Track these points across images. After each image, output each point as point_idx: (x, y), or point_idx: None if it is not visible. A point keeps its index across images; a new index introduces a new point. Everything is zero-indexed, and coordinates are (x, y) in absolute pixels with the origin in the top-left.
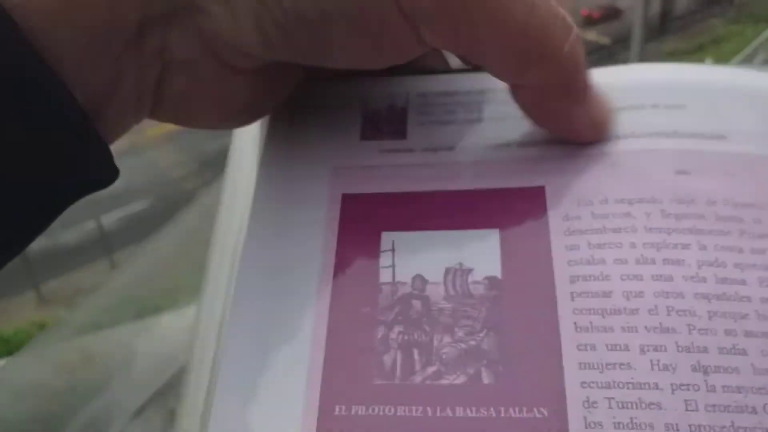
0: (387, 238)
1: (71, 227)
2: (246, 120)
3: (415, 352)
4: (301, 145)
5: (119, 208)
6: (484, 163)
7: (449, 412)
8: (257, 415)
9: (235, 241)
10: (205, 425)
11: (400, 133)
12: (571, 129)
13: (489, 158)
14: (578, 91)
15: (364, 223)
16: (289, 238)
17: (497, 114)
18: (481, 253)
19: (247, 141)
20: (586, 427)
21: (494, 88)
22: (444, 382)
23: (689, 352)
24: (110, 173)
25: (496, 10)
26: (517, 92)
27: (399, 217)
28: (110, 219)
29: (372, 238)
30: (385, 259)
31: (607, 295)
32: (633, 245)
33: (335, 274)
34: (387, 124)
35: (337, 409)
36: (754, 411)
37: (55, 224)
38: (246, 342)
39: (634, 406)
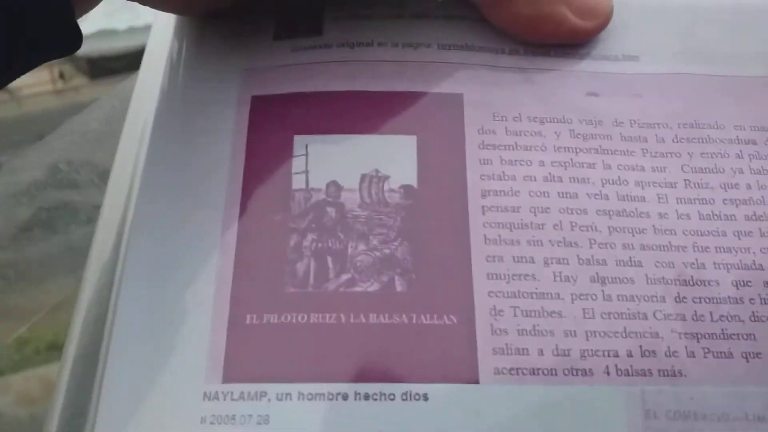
0: (300, 141)
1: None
2: (207, 10)
3: (329, 259)
4: (211, 47)
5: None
6: (403, 63)
7: (362, 319)
8: (163, 324)
9: (138, 150)
10: (108, 338)
11: (316, 29)
12: (561, 30)
13: (408, 58)
14: None
15: (275, 127)
16: (196, 143)
17: (418, 10)
18: (397, 160)
19: (161, 43)
20: (492, 334)
21: None
22: (358, 289)
23: (589, 264)
24: (73, 39)
25: None
26: (487, 11)
27: (313, 119)
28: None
29: (284, 142)
30: (298, 165)
31: (515, 210)
32: (542, 163)
33: (245, 181)
34: (301, 20)
35: (248, 318)
36: (644, 317)
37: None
38: (150, 250)
39: (537, 315)
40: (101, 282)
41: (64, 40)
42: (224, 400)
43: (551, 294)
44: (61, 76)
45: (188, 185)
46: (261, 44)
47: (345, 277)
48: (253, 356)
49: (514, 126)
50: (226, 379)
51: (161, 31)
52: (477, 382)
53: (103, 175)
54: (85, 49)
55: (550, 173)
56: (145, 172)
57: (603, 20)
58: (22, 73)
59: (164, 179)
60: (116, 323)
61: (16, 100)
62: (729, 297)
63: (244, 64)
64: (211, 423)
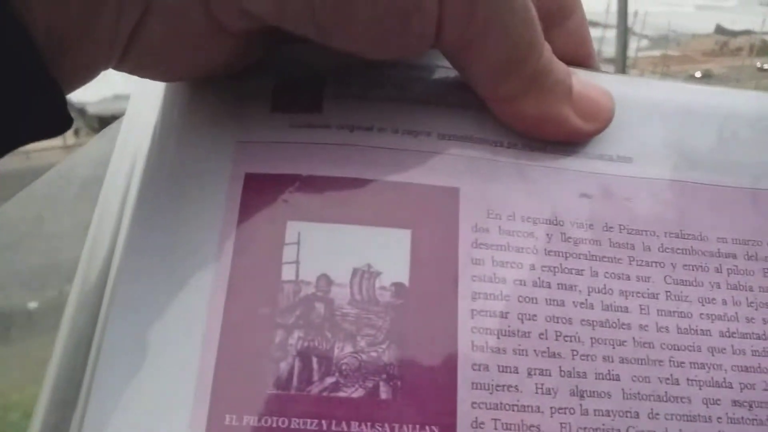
0: (293, 228)
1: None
2: (207, 77)
3: (314, 360)
4: (203, 114)
5: None
6: (402, 151)
7: (344, 427)
8: (140, 422)
9: (117, 221)
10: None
11: (316, 106)
12: (563, 131)
13: (407, 146)
14: (561, 92)
15: (268, 209)
16: (183, 220)
17: (421, 96)
18: (390, 255)
19: (144, 106)
20: None
21: (423, 65)
22: (342, 394)
23: (570, 377)
24: (62, 122)
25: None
26: (495, 107)
27: (308, 204)
28: None
29: (276, 227)
30: (289, 254)
31: (504, 315)
32: (533, 267)
33: (233, 267)
34: (301, 94)
35: (227, 418)
36: None
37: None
38: (128, 339)
39: (516, 428)
40: (72, 363)
41: (53, 125)
42: None
43: (532, 407)
44: (76, 133)
45: (172, 265)
46: (257, 115)
47: (329, 380)
48: None
49: (508, 225)
50: None
51: (142, 96)
52: None
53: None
54: (99, 108)
55: (539, 278)
56: (126, 245)
57: (603, 124)
58: (2, 154)
59: (147, 259)
60: (87, 416)
61: (25, 152)
62: (699, 415)
63: (239, 136)
64: None
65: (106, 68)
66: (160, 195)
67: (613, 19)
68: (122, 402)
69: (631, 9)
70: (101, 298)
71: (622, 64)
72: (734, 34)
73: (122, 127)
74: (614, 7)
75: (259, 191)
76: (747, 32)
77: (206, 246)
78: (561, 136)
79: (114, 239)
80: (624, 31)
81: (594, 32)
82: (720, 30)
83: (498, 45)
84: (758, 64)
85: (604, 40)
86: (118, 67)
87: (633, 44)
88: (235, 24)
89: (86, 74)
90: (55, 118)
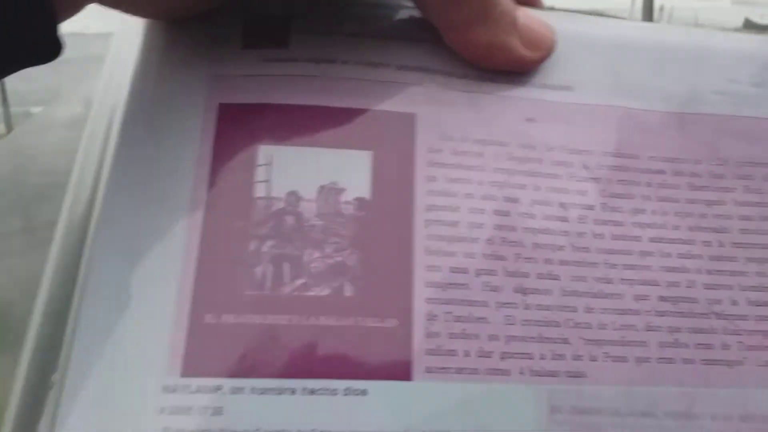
0: (264, 151)
1: None
2: (181, 15)
3: (286, 265)
4: (178, 50)
5: None
6: (364, 81)
7: (314, 320)
8: (127, 320)
9: (102, 149)
10: (72, 333)
11: (283, 41)
12: (510, 59)
13: (368, 77)
14: (507, 22)
15: (242, 135)
16: (164, 145)
17: (381, 31)
18: (353, 173)
19: (124, 45)
20: (426, 336)
21: (383, 2)
22: (311, 293)
23: (514, 276)
24: (54, 47)
25: None
26: (447, 35)
27: (277, 129)
28: None
29: (249, 150)
30: (261, 174)
31: (454, 224)
32: (481, 182)
33: (209, 186)
34: (269, 30)
35: (207, 317)
36: (557, 325)
37: None
38: (115, 248)
39: (466, 320)
40: (64, 275)
41: (45, 48)
42: (182, 392)
43: (479, 302)
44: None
45: (154, 187)
46: (230, 51)
47: (299, 281)
48: (210, 353)
49: (460, 146)
50: (185, 373)
51: (124, 35)
52: (410, 379)
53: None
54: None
55: (487, 192)
56: (112, 170)
57: (546, 52)
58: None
59: (131, 179)
60: (80, 316)
61: None
62: (629, 309)
63: (212, 71)
64: (170, 413)
65: (91, 1)
66: (140, 127)
67: (638, 13)
68: (112, 305)
69: (657, 4)
70: (90, 214)
71: None
72: (764, 28)
73: (105, 66)
74: (639, 2)
75: (233, 119)
76: None
77: (185, 168)
78: (508, 64)
79: (98, 172)
80: None
81: None
82: (749, 24)
83: None
84: None
85: None
86: (101, 1)
87: None
88: None
89: (74, 4)
90: (47, 42)
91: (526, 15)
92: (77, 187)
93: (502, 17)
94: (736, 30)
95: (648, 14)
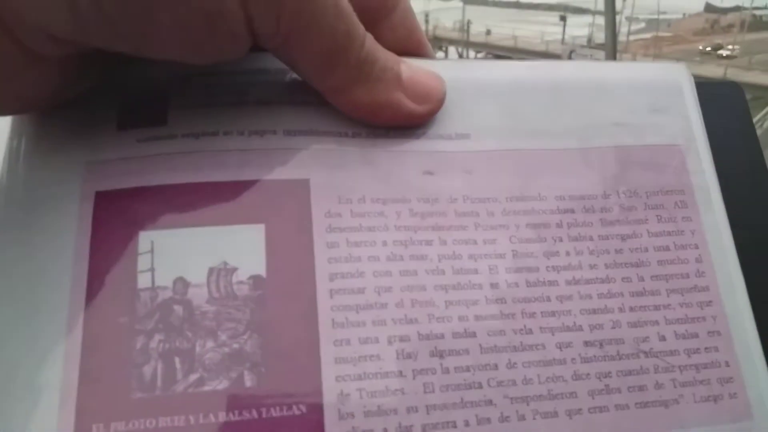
0: (145, 238)
1: None
2: (44, 106)
3: (177, 360)
4: (50, 139)
5: None
6: (249, 151)
7: (212, 418)
8: None
9: None
10: None
11: (160, 119)
12: (398, 115)
13: (254, 146)
14: (390, 79)
15: (120, 223)
16: (37, 242)
17: (263, 97)
18: (245, 249)
19: None
20: (339, 419)
21: (262, 68)
22: (207, 388)
23: (428, 339)
24: None
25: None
26: (330, 97)
27: (159, 213)
28: None
29: (129, 239)
30: (143, 263)
31: (360, 291)
32: (385, 243)
33: (89, 284)
34: (145, 109)
35: (94, 428)
36: (480, 386)
37: None
38: None
39: (381, 395)
40: None
41: None
42: None
43: (394, 372)
44: None
45: (28, 288)
46: (104, 135)
47: (193, 377)
48: None
49: (359, 208)
50: None
51: None
52: None
53: None
54: None
55: (392, 252)
56: None
57: (436, 104)
58: None
59: (1, 282)
60: None
61: None
62: (554, 359)
63: (88, 157)
64: None
65: None
66: (10, 223)
67: (601, 5)
68: None
69: None
70: None
71: (612, 49)
72: (724, 11)
73: None
74: None
75: (110, 207)
76: (737, 8)
77: (61, 265)
78: (397, 121)
79: None
80: (612, 17)
81: (583, 19)
82: (709, 8)
83: (315, 38)
84: (700, 47)
85: (595, 27)
86: None
87: (625, 28)
88: (49, 49)
89: None
90: None
91: (410, 68)
92: None
93: (383, 74)
94: (698, 14)
95: (611, 7)
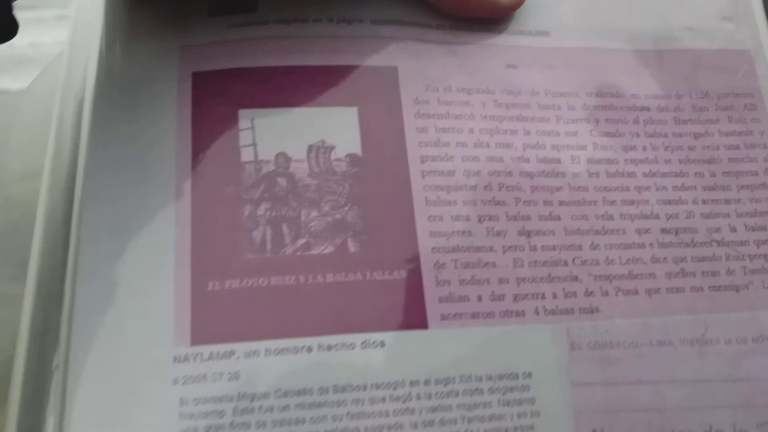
0: (245, 116)
1: None
2: None
3: (284, 226)
4: (144, 24)
5: None
6: (339, 38)
7: (320, 279)
8: (125, 299)
9: (74, 135)
10: (69, 315)
11: (250, 5)
12: (485, 6)
13: (343, 33)
14: None
15: (219, 102)
16: (141, 120)
17: None
18: (341, 130)
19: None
20: (437, 285)
21: None
22: (314, 252)
23: (516, 220)
24: (10, 26)
25: None
26: None
27: (255, 93)
28: None
29: (229, 116)
30: (245, 138)
31: (450, 173)
32: (471, 131)
33: (194, 156)
34: None
35: (210, 284)
36: (565, 264)
37: None
38: (103, 228)
39: (474, 266)
40: (52, 260)
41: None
42: (194, 361)
43: (485, 247)
44: None
45: (136, 163)
46: (196, 21)
47: (301, 241)
48: (219, 319)
49: (445, 96)
50: (195, 341)
51: (85, 19)
52: (426, 327)
53: None
54: None
55: (479, 140)
56: (90, 153)
57: None
58: None
59: (111, 159)
60: (76, 298)
61: None
62: (633, 243)
63: (181, 42)
64: (183, 383)
65: None
66: (113, 105)
67: None
68: (108, 282)
69: None
70: (70, 197)
71: None
72: None
73: (66, 50)
74: None
75: (208, 86)
76: None
77: (166, 138)
78: (483, 12)
79: (74, 158)
80: None
81: None
82: None
83: None
84: None
85: None
86: None
87: None
88: None
89: None
90: (3, 23)
91: None
92: (53, 175)
93: None
94: None
95: None
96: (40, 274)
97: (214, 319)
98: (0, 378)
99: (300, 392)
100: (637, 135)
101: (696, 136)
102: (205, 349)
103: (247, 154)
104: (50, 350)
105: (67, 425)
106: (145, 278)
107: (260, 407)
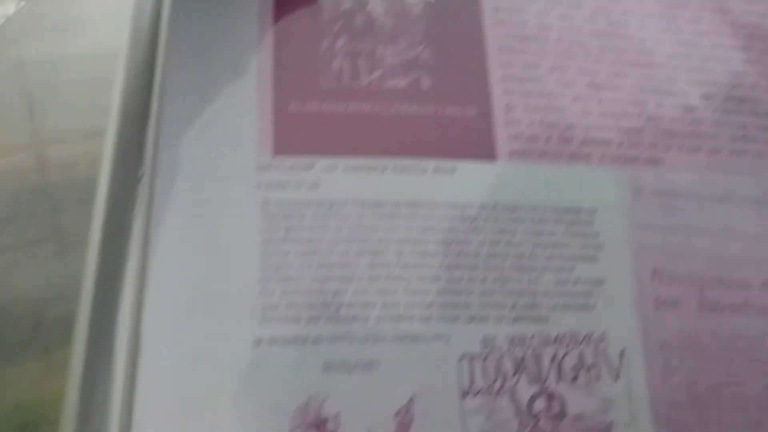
0: None
1: None
2: None
3: (361, 59)
4: None
5: None
6: None
7: (395, 109)
8: (211, 114)
9: None
10: (156, 129)
11: None
12: None
13: None
14: None
15: None
16: None
17: None
18: None
19: None
20: (507, 124)
21: None
22: (388, 85)
23: (585, 74)
24: None
25: None
26: None
27: None
28: None
29: None
30: None
31: (522, 25)
32: None
33: None
34: None
35: (291, 106)
36: (631, 117)
37: None
38: (189, 50)
39: (543, 110)
40: (137, 80)
41: None
42: (277, 170)
43: (555, 94)
44: None
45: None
46: None
47: (377, 74)
48: (299, 136)
49: None
50: (277, 153)
51: None
52: (496, 160)
53: None
54: None
55: None
56: None
57: None
58: None
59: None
60: (163, 112)
61: None
62: (697, 106)
63: None
64: (267, 189)
65: None
66: None
67: None
68: (194, 98)
69: None
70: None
71: None
72: None
73: None
74: None
75: None
76: None
77: None
78: None
79: None
80: None
81: None
82: None
83: None
84: None
85: None
86: None
87: None
88: None
89: None
90: None
91: None
92: (140, 2)
93: None
94: None
95: None
96: (126, 92)
97: (295, 136)
98: (87, 181)
99: (375, 204)
100: (704, 8)
101: (763, 15)
102: (287, 160)
103: None
104: (135, 163)
105: (156, 224)
106: (230, 98)
107: (338, 214)
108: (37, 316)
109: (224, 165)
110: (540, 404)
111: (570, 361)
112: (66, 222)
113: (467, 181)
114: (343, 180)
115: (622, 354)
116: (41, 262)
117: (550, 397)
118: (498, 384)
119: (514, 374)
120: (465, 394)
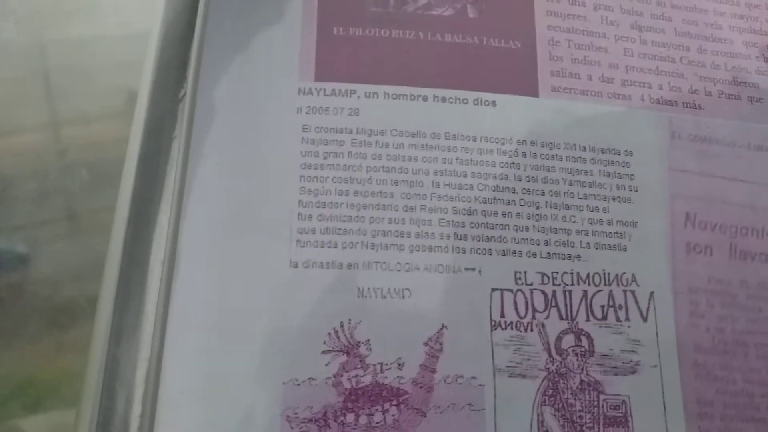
0: None
1: None
2: None
3: None
4: None
5: None
6: None
7: (439, 37)
8: (254, 34)
9: None
10: (199, 49)
11: None
12: None
13: None
14: None
15: None
16: None
17: None
18: None
19: None
20: (550, 59)
21: None
22: (434, 12)
23: (630, 14)
24: None
25: None
26: None
27: None
28: None
29: None
30: None
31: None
32: None
33: None
34: None
35: (334, 29)
36: (673, 60)
37: None
38: None
39: (587, 48)
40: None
41: None
42: (318, 95)
43: (599, 33)
44: None
45: None
46: None
47: (422, 1)
48: (342, 61)
49: None
50: (318, 78)
51: None
52: (537, 95)
53: None
54: None
55: None
56: None
57: None
58: None
59: None
60: (207, 39)
61: None
62: (739, 53)
63: None
64: (307, 113)
65: None
66: None
67: None
68: (237, 24)
69: None
70: None
71: None
72: None
73: None
74: None
75: None
76: None
77: None
78: None
79: None
80: None
81: None
82: None
83: None
84: None
85: None
86: None
87: None
88: None
89: None
90: None
91: None
92: None
93: None
94: None
95: None
96: (167, 16)
97: (337, 61)
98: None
99: (414, 134)
100: None
101: None
102: (328, 86)
103: None
104: (176, 84)
105: (195, 145)
106: (274, 20)
107: (377, 142)
108: (53, 294)
109: (265, 88)
110: (568, 341)
111: (600, 300)
112: (84, 203)
113: (507, 115)
114: (383, 108)
115: (651, 296)
116: (58, 241)
117: (579, 334)
118: (528, 318)
119: (544, 310)
120: (495, 326)
